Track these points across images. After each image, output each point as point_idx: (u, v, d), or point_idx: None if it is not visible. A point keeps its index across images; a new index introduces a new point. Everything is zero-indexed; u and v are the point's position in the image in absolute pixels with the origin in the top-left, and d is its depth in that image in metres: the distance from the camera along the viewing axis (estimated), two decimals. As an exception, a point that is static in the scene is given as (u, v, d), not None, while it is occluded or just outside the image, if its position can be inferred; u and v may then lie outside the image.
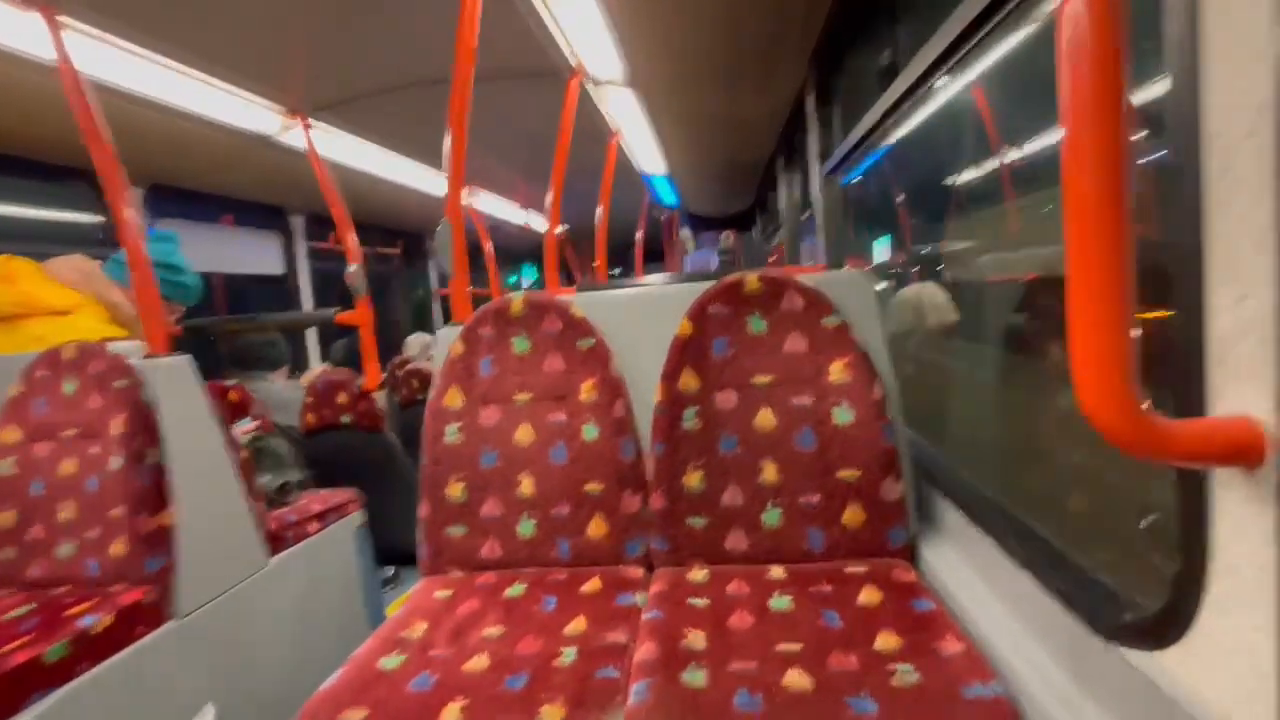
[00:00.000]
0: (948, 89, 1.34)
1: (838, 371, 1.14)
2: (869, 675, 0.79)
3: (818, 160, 2.47)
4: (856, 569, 1.06)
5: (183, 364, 1.44)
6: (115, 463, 1.29)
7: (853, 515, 1.10)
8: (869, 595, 0.97)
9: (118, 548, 1.27)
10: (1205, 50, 0.45)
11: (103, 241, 2.58)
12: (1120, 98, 0.40)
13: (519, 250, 7.53)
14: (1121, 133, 0.40)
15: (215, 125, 2.24)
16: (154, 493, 1.30)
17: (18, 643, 1.08)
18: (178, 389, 1.42)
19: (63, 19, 1.45)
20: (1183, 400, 0.50)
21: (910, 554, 1.11)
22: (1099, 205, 0.41)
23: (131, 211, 1.45)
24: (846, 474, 1.10)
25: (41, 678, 1.06)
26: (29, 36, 1.51)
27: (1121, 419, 0.43)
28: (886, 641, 0.85)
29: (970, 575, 0.98)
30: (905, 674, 0.78)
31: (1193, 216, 0.47)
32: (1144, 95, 0.68)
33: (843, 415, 1.12)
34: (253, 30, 1.73)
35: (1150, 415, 0.43)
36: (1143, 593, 0.62)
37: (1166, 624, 0.54)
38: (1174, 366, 0.51)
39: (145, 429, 1.32)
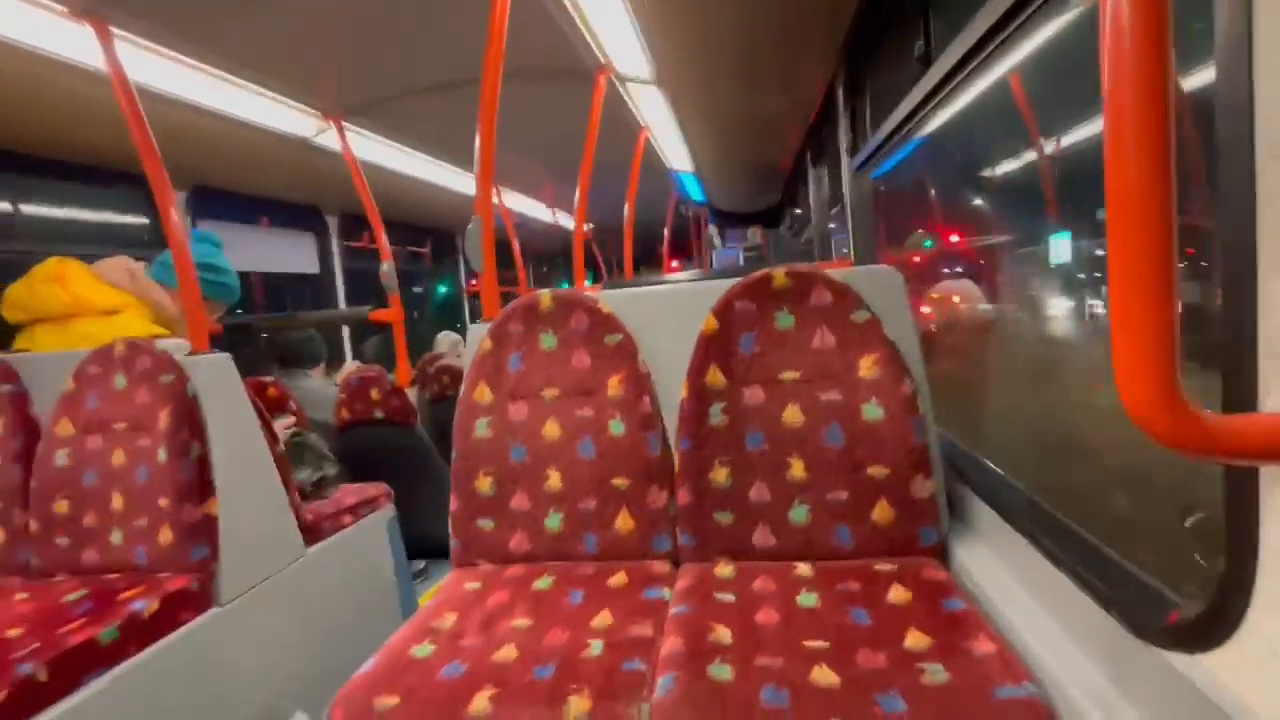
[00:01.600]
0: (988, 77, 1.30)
1: (867, 367, 1.12)
2: (898, 673, 0.78)
3: (847, 155, 2.43)
4: (886, 567, 1.05)
5: (224, 361, 1.49)
6: (162, 455, 1.34)
7: (882, 513, 1.09)
8: (898, 593, 0.96)
9: (164, 536, 1.32)
10: (1258, 34, 0.44)
11: (148, 243, 2.68)
12: (1165, 85, 0.39)
13: (548, 248, 7.58)
14: (1166, 122, 0.39)
15: (254, 128, 2.31)
16: (198, 484, 1.35)
17: (75, 624, 1.13)
18: (219, 385, 1.47)
19: (113, 29, 1.51)
20: (1232, 395, 0.49)
21: (941, 552, 1.09)
22: (1142, 197, 0.40)
23: (177, 213, 1.50)
24: (876, 471, 1.09)
25: (96, 658, 1.11)
26: (82, 47, 1.57)
27: (1166, 415, 0.41)
28: (916, 640, 0.84)
29: (1003, 574, 0.96)
30: (935, 673, 0.77)
31: (1244, 207, 0.46)
32: (1192, 82, 0.65)
33: (872, 411, 1.10)
34: (290, 38, 1.78)
35: (1196, 411, 0.42)
36: (1185, 593, 0.60)
37: (1211, 626, 0.53)
38: (1223, 360, 0.49)
39: (190, 423, 1.37)
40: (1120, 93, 0.39)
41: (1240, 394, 0.48)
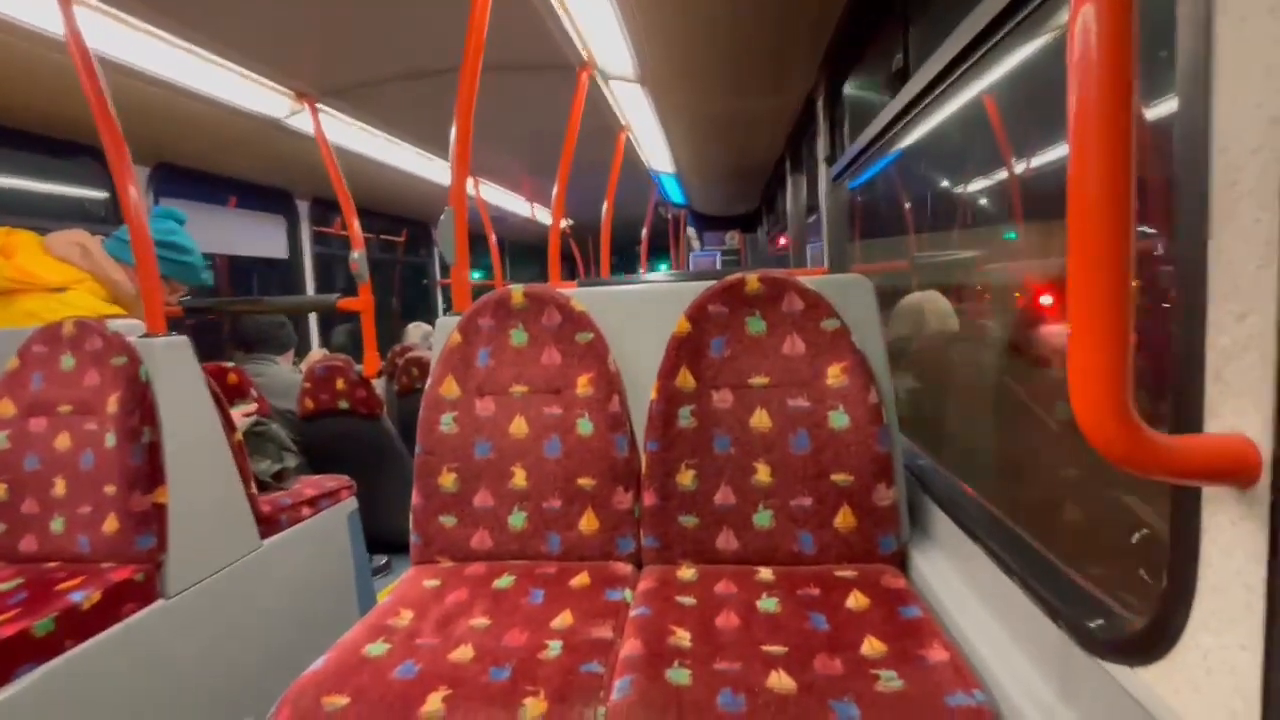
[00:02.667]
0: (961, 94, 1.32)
1: (835, 375, 1.13)
2: (853, 680, 0.79)
3: (825, 163, 2.46)
4: (846, 573, 1.06)
5: (181, 343, 1.44)
6: (110, 440, 1.29)
7: (844, 520, 1.10)
8: (857, 600, 0.97)
9: (109, 525, 1.27)
10: (1217, 63, 0.45)
11: (105, 219, 2.58)
12: (1128, 110, 0.39)
13: (525, 242, 7.52)
14: (1127, 145, 0.40)
15: (223, 106, 2.24)
16: (147, 471, 1.30)
17: (6, 615, 1.08)
18: (175, 368, 1.42)
19: None
20: (1179, 416, 0.50)
21: (901, 560, 1.11)
22: (1101, 218, 0.41)
23: (135, 189, 1.45)
24: (840, 478, 1.10)
25: (29, 651, 1.06)
26: (40, 11, 1.50)
27: (1116, 434, 0.42)
28: (872, 647, 0.85)
29: (959, 584, 0.98)
30: (889, 680, 0.78)
31: (1197, 231, 0.47)
32: (1154, 109, 0.67)
33: (838, 419, 1.11)
34: (264, 13, 1.73)
35: (1145, 430, 0.43)
36: (1128, 607, 0.61)
37: (1151, 640, 0.54)
38: (1172, 382, 0.51)
39: (141, 407, 1.32)
40: (1084, 114, 0.40)
41: (1187, 415, 0.49)
